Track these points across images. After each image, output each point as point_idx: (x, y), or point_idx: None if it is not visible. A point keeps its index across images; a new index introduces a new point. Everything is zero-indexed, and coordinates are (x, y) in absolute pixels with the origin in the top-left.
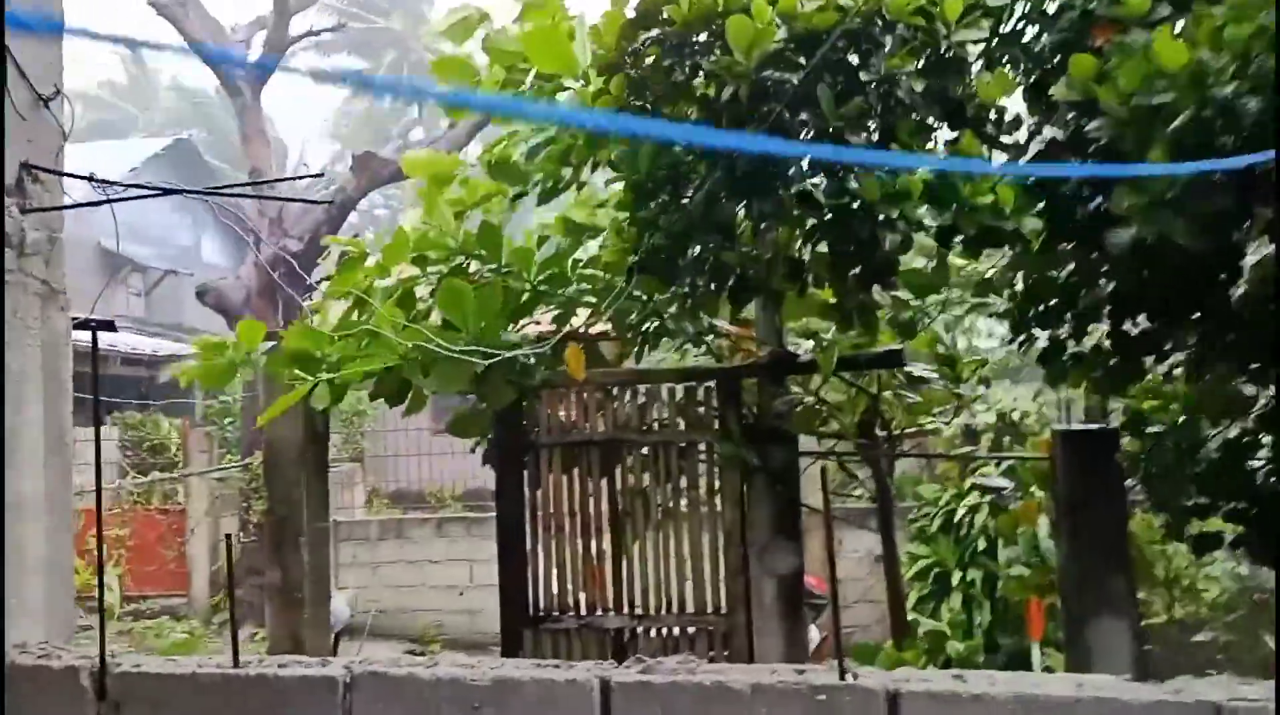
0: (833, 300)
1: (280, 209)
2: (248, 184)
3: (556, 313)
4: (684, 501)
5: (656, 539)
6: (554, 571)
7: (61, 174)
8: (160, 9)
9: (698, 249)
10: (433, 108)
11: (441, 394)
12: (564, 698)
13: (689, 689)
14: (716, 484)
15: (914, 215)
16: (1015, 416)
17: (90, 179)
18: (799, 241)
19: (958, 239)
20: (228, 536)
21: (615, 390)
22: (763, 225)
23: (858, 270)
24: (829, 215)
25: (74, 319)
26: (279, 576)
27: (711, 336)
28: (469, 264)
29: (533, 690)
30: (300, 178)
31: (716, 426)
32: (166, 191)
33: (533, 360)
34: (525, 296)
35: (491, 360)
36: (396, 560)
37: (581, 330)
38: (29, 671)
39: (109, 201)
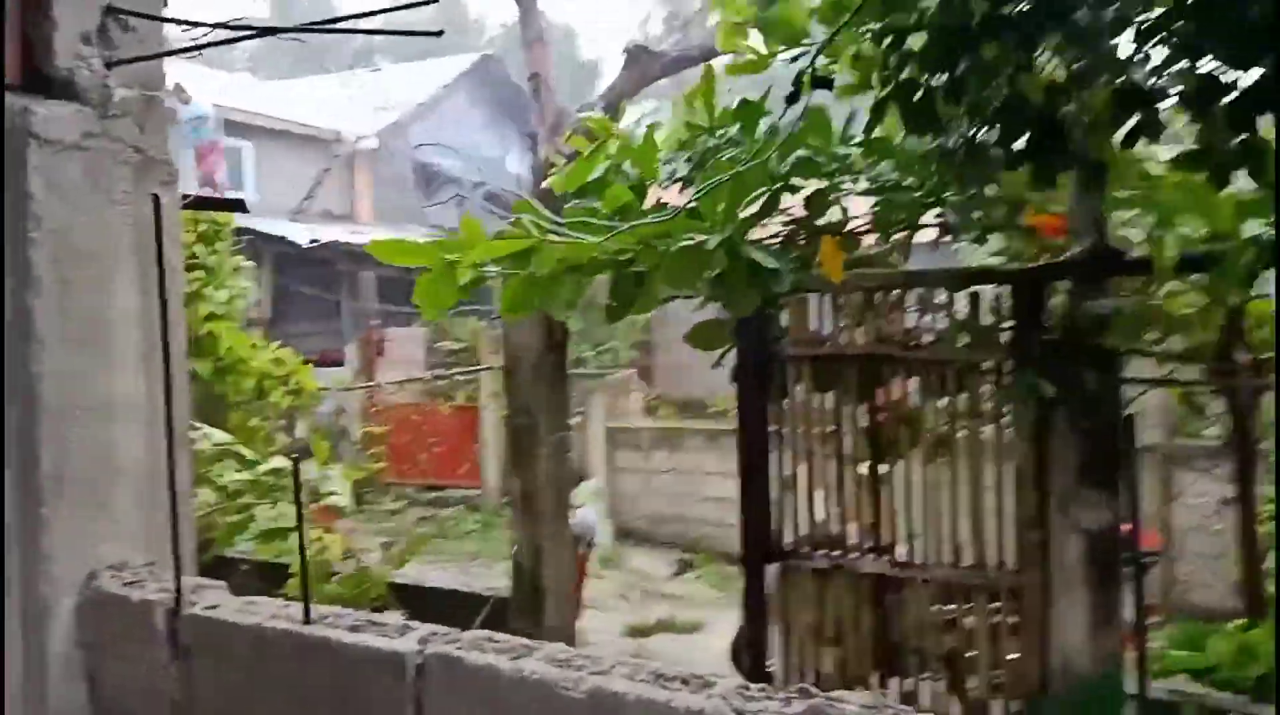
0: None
1: (557, 115)
2: (346, 18)
3: (809, 199)
4: (963, 431)
5: (926, 474)
6: (802, 502)
7: (150, 18)
8: None
9: (975, 77)
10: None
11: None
12: None
13: None
14: (1006, 412)
15: None
16: None
17: (175, 21)
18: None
19: None
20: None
21: (879, 295)
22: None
23: (1234, 96)
24: None
25: (185, 197)
26: (519, 487)
27: (1007, 228)
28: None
29: None
30: (397, 8)
31: (1009, 341)
32: (252, 34)
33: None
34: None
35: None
36: (669, 469)
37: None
38: (110, 600)
39: (198, 47)
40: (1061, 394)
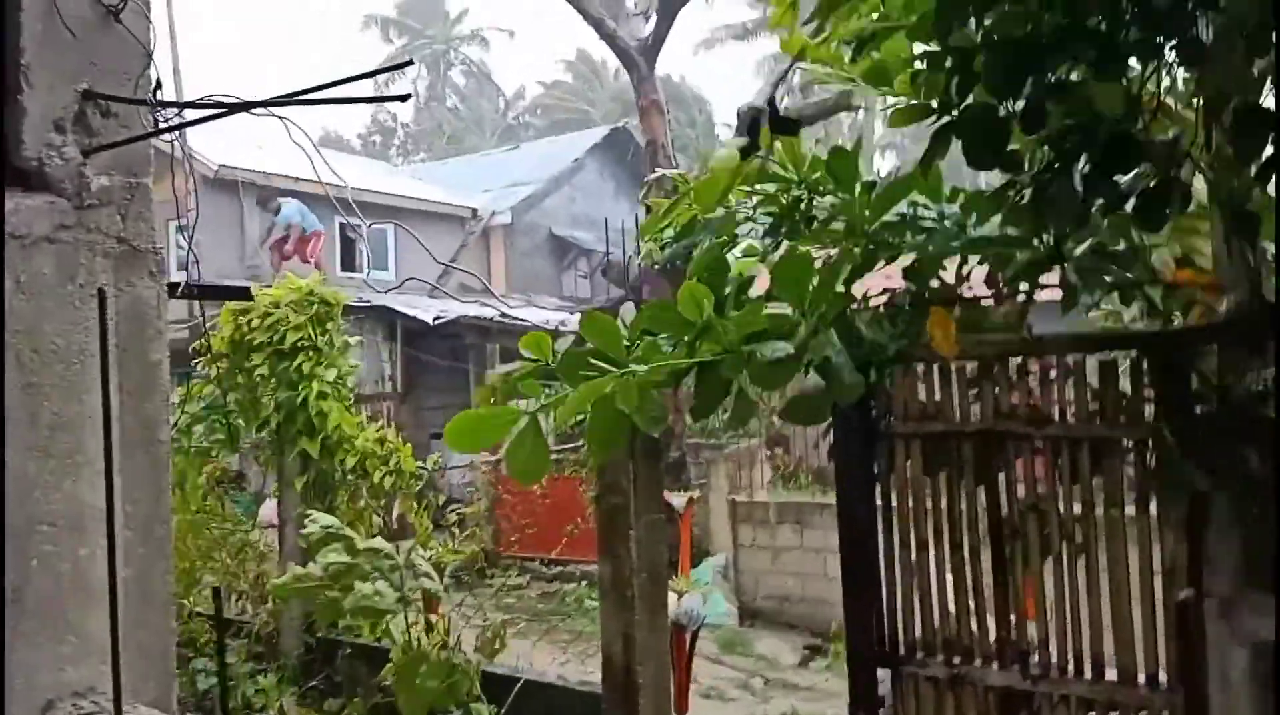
0: None
1: (674, 182)
2: (320, 87)
3: (912, 266)
4: (1099, 521)
5: (1058, 571)
6: (915, 599)
7: (126, 101)
8: None
9: (1053, 103)
10: None
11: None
12: None
13: None
14: (1151, 498)
15: None
16: None
17: (149, 103)
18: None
19: None
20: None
21: (997, 365)
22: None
23: None
24: None
25: (174, 285)
26: (608, 573)
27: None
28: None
29: None
30: (355, 78)
31: (1153, 415)
32: (229, 110)
33: (886, 341)
34: (864, 250)
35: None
36: (795, 546)
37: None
38: None
39: (177, 127)
40: (1217, 475)
